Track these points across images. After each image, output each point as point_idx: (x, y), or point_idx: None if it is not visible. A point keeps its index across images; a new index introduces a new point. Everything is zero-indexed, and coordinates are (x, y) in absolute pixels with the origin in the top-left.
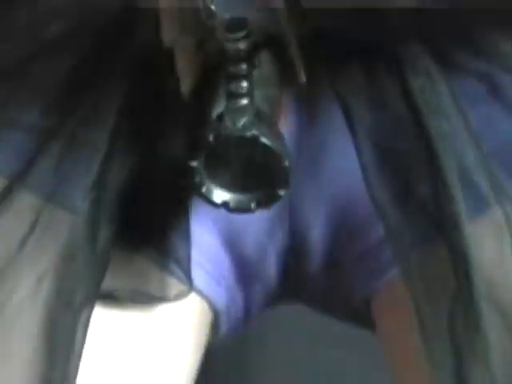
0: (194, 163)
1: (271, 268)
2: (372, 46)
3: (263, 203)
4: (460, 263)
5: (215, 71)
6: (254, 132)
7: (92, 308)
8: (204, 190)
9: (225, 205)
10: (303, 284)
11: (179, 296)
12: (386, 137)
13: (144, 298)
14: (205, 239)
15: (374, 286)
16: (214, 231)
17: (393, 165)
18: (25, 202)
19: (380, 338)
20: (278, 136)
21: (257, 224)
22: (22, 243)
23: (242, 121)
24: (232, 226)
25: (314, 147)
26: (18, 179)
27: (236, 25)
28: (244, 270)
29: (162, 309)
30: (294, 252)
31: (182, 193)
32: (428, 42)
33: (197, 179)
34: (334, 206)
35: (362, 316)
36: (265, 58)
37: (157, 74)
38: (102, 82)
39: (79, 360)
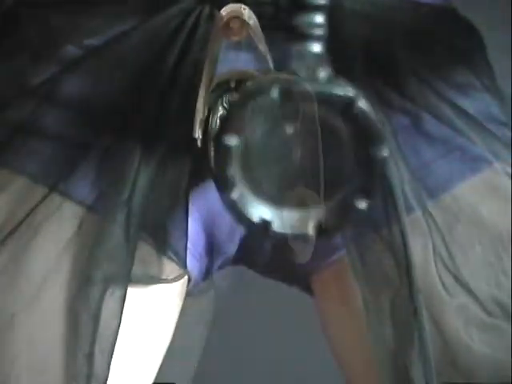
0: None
1: (235, 246)
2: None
3: (331, 223)
4: (401, 260)
5: None
6: (349, 92)
7: (122, 289)
8: (236, 197)
9: (265, 225)
10: (255, 257)
11: (177, 278)
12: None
13: (148, 279)
14: (190, 225)
15: (316, 265)
16: (197, 219)
17: None
18: (68, 211)
19: (316, 305)
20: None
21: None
22: (67, 246)
23: (321, 73)
24: (211, 215)
25: None
26: (59, 189)
27: None
28: (214, 248)
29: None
30: (254, 235)
31: (184, 193)
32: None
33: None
34: None
35: (301, 284)
36: None
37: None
38: (135, 100)
39: (110, 335)
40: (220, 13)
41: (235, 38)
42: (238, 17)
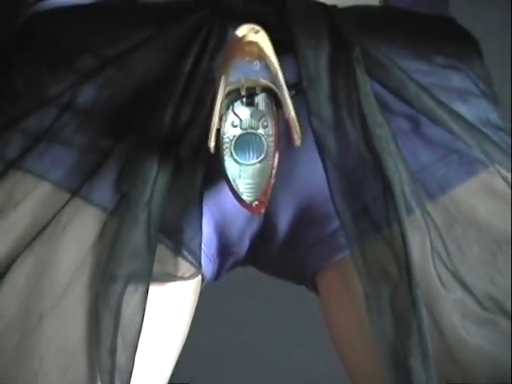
0: None
1: (244, 247)
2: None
3: None
4: (401, 258)
5: None
6: None
7: (145, 287)
8: None
9: None
10: (263, 258)
11: (192, 276)
12: (346, 163)
13: (165, 277)
14: (203, 228)
15: (320, 265)
16: (210, 221)
17: (349, 181)
18: (90, 215)
19: (321, 302)
20: None
21: (242, 215)
22: (91, 248)
23: None
24: (223, 216)
25: (290, 160)
26: (81, 194)
27: None
28: (225, 249)
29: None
30: (263, 235)
31: (198, 195)
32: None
33: None
34: (300, 204)
35: (308, 282)
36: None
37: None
38: (152, 107)
39: (133, 331)
40: (235, 34)
41: (248, 59)
42: (252, 41)
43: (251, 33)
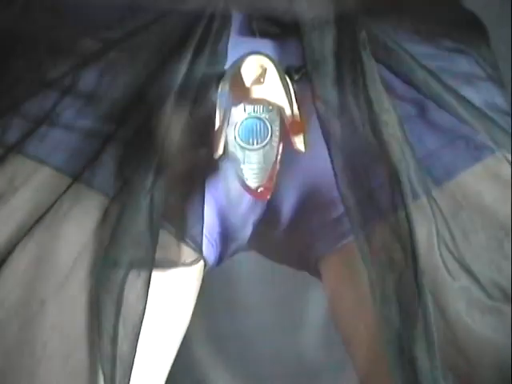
0: None
1: (248, 232)
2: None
3: None
4: (406, 244)
5: None
6: None
7: (147, 273)
8: None
9: None
10: (267, 243)
11: (194, 262)
12: (351, 148)
13: (167, 263)
14: (206, 213)
15: (325, 251)
16: (213, 207)
17: (354, 166)
18: (92, 200)
19: (324, 287)
20: None
21: (245, 200)
22: (93, 234)
23: None
24: (226, 202)
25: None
26: (83, 179)
27: None
28: (228, 234)
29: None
30: (266, 221)
31: (201, 181)
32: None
33: None
34: (304, 189)
35: (311, 268)
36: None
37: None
38: (153, 91)
39: (135, 318)
40: (239, 77)
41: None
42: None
43: (257, 83)
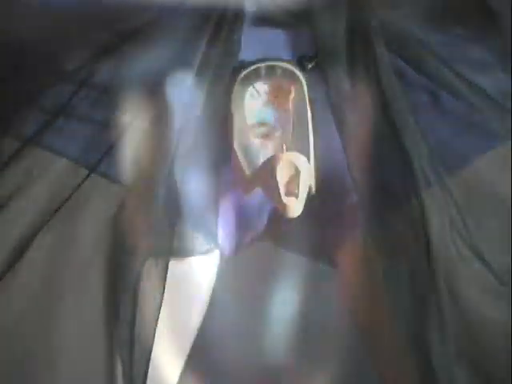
0: None
1: (263, 223)
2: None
3: None
4: (420, 233)
5: None
6: None
7: (165, 261)
8: None
9: None
10: (281, 233)
11: (208, 251)
12: (364, 137)
13: (183, 252)
14: (221, 202)
15: (339, 240)
16: (228, 196)
17: (367, 155)
18: (109, 190)
19: (339, 277)
20: None
21: (260, 194)
22: (110, 224)
23: None
24: (241, 192)
25: None
26: (99, 170)
27: None
28: (244, 224)
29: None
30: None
31: (216, 170)
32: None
33: None
34: (317, 178)
35: (325, 257)
36: None
37: None
38: (170, 82)
39: (153, 305)
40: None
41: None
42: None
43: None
